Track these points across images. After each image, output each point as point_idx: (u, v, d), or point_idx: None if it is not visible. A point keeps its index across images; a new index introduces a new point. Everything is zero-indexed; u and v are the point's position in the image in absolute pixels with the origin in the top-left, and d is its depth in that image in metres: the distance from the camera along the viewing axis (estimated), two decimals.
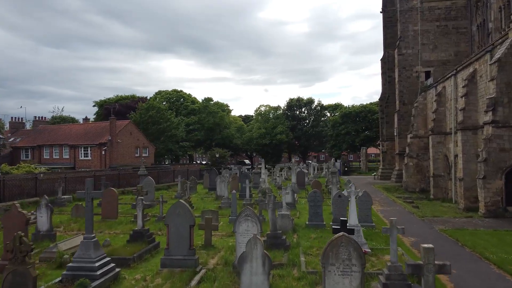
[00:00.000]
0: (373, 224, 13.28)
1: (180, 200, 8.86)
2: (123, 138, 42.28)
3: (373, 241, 11.07)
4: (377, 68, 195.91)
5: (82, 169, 33.18)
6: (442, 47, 33.46)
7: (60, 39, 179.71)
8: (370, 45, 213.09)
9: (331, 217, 14.78)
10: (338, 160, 54.52)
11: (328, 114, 72.76)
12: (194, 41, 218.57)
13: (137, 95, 69.35)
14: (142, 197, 10.76)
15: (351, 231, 6.73)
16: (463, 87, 21.55)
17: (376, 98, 63.36)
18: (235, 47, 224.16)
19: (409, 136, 31.17)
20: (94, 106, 70.89)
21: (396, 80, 35.11)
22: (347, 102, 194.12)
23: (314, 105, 67.17)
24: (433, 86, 28.59)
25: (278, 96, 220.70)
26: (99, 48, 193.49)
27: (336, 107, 71.61)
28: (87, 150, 41.40)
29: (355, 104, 64.03)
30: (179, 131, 54.72)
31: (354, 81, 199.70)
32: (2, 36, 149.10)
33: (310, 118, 67.65)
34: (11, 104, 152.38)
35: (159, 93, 67.25)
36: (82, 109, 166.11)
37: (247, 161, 77.63)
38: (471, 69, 21.39)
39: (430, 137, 27.01)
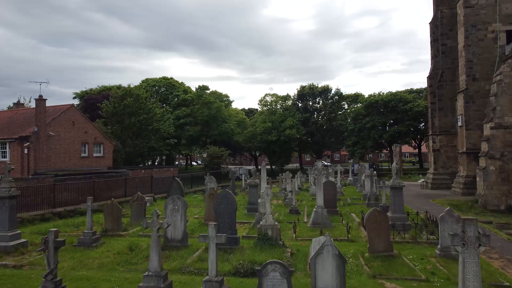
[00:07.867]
0: None
1: None
2: (60, 129, 29.38)
3: None
4: (383, 66, 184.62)
5: None
6: None
7: (61, 37, 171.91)
8: (375, 43, 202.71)
9: None
10: (357, 163, 43.84)
11: (346, 107, 61.44)
12: (196, 39, 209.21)
13: (124, 85, 59.58)
14: None
15: None
16: None
17: None
18: (238, 45, 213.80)
19: (488, 126, 20.63)
20: (74, 98, 61.55)
21: (461, 45, 24.20)
22: None
23: (331, 94, 55.54)
24: None
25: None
26: (101, 47, 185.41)
27: (356, 97, 60.01)
28: (5, 148, 27.83)
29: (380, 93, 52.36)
30: (165, 125, 44.29)
31: (359, 79, 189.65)
32: (1, 34, 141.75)
33: (326, 110, 56.09)
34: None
35: (145, 81, 56.82)
36: None
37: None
38: None
39: None
